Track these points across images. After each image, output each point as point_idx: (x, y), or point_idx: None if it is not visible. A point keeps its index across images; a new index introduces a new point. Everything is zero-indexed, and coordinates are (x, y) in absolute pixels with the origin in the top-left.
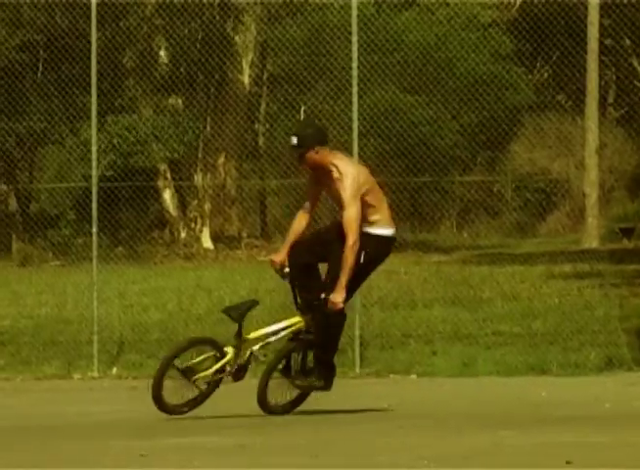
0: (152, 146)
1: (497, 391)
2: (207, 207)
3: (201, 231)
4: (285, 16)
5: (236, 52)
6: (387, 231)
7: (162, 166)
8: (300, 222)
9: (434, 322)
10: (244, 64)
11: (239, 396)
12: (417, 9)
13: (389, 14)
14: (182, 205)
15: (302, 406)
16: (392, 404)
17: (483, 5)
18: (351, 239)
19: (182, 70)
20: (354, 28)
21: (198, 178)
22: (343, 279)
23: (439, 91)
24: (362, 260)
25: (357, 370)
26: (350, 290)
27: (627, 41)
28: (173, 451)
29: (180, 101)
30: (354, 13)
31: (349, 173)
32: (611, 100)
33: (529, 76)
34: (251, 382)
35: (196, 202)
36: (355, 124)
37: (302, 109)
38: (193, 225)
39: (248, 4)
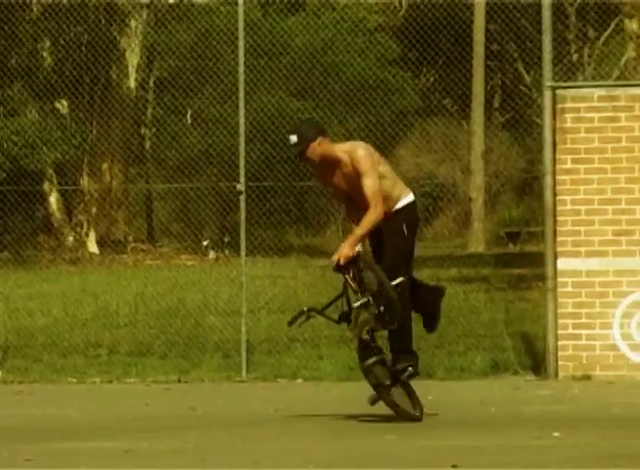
0: (42, 149)
1: None
2: (93, 211)
3: (87, 235)
4: (171, 19)
5: (122, 56)
6: (410, 197)
7: (49, 171)
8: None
9: (319, 327)
10: (130, 68)
11: (125, 400)
12: (303, 13)
13: (276, 18)
14: (68, 209)
15: (189, 412)
16: (279, 409)
17: (370, 9)
18: (379, 206)
19: (68, 73)
20: (241, 33)
21: (84, 182)
22: (358, 232)
23: (326, 95)
24: (407, 233)
25: (244, 375)
26: (407, 270)
27: (513, 46)
28: (59, 456)
29: (66, 104)
30: (241, 17)
31: (360, 147)
32: (496, 105)
33: (416, 81)
34: (137, 387)
35: (82, 206)
36: (242, 129)
37: (189, 113)
38: (79, 230)
39: (133, 8)
